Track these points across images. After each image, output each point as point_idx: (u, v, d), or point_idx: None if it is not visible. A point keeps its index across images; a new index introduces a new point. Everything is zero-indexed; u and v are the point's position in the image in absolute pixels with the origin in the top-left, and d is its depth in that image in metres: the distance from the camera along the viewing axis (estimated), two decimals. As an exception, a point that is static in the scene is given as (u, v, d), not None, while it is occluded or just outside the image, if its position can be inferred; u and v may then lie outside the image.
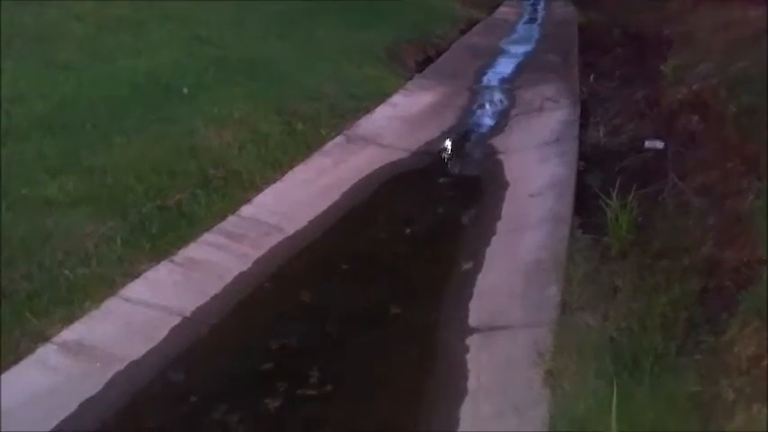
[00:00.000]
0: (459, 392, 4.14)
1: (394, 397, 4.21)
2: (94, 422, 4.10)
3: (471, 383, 4.20)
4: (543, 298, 4.73)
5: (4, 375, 4.23)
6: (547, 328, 4.40)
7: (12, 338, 4.44)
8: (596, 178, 6.27)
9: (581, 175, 6.39)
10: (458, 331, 4.68)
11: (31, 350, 4.41)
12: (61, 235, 5.40)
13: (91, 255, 5.22)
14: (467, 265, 5.37)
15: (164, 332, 4.71)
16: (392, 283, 5.30)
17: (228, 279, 5.31)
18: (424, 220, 6.20)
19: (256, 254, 5.62)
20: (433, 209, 6.37)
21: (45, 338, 4.49)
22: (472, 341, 4.56)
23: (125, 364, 4.43)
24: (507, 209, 6.07)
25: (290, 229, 5.98)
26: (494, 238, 5.68)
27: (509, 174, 6.73)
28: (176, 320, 4.83)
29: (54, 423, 4.00)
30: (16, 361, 4.33)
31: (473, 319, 4.77)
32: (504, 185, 6.52)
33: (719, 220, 5.02)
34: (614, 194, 5.23)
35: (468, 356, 4.43)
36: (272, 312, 5.07)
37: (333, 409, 4.15)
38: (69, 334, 4.55)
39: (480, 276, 5.20)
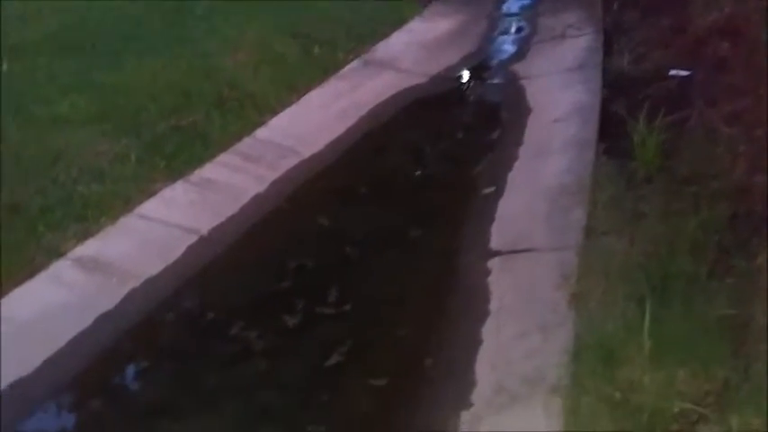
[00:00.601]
0: (481, 314, 4.06)
1: (414, 317, 4.14)
2: (110, 338, 4.06)
3: (493, 305, 4.12)
4: (568, 222, 4.61)
5: (18, 289, 4.18)
6: (572, 251, 4.29)
7: (26, 253, 4.38)
8: (621, 105, 6.07)
9: (605, 102, 6.19)
10: (479, 255, 4.57)
11: (45, 265, 4.35)
12: (74, 152, 5.30)
13: (105, 172, 5.13)
14: (488, 190, 5.25)
15: (180, 250, 4.62)
16: (411, 208, 5.18)
17: (245, 200, 5.20)
18: (443, 145, 6.05)
19: (272, 176, 5.51)
20: (452, 134, 6.21)
21: (60, 254, 4.42)
22: (494, 264, 4.46)
23: (141, 280, 4.36)
24: (530, 134, 5.90)
25: (307, 153, 5.84)
26: (516, 164, 5.53)
27: (531, 99, 6.53)
28: (193, 239, 4.75)
29: (69, 337, 3.96)
30: (31, 276, 4.28)
31: (495, 243, 4.66)
32: (526, 111, 6.33)
33: (749, 147, 4.86)
34: (641, 119, 5.05)
35: (490, 279, 4.34)
36: (289, 234, 4.98)
37: (351, 328, 4.08)
38: (84, 250, 4.48)
39: (502, 201, 5.08)
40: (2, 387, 3.61)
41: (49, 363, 3.77)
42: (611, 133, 5.59)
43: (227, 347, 4.02)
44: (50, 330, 3.94)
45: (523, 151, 5.70)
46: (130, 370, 4.00)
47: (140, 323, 4.16)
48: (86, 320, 4.03)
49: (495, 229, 4.80)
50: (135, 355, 4.04)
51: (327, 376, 3.80)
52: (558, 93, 6.52)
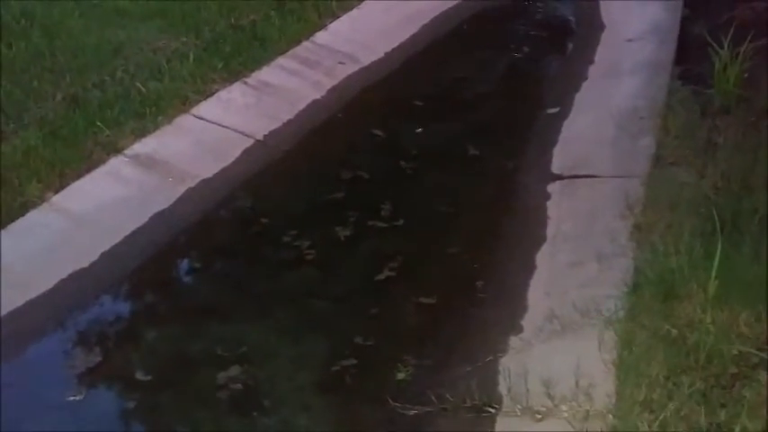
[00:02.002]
0: (537, 239, 3.97)
1: (468, 237, 4.07)
2: (165, 235, 4.09)
3: (550, 230, 4.01)
4: (635, 149, 4.43)
5: (76, 183, 4.21)
6: (637, 180, 4.13)
7: (84, 147, 4.39)
8: (702, 27, 5.74)
9: (685, 23, 5.86)
10: (539, 177, 4.45)
11: (103, 160, 4.36)
12: (133, 47, 5.24)
13: (163, 70, 5.06)
14: (552, 110, 5.06)
15: (236, 153, 4.59)
16: (471, 124, 5.04)
17: (301, 106, 5.12)
18: (508, 61, 5.84)
19: (330, 82, 5.39)
20: (519, 49, 5.97)
21: (117, 150, 4.42)
22: (554, 188, 4.33)
23: (196, 181, 4.35)
24: (602, 53, 5.64)
25: (366, 60, 5.69)
26: (585, 84, 5.31)
27: (605, 16, 6.22)
28: (248, 143, 4.70)
29: (125, 233, 3.99)
30: (89, 170, 4.29)
31: (556, 166, 4.52)
32: (599, 28, 6.04)
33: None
34: (726, 43, 4.76)
35: (549, 203, 4.22)
36: (345, 143, 4.91)
37: (403, 244, 4.02)
38: (141, 147, 4.47)
39: (567, 122, 4.90)
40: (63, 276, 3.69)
41: (107, 256, 3.83)
42: (689, 57, 5.32)
43: (279, 254, 4.02)
44: (108, 225, 3.98)
45: (593, 71, 5.46)
46: (183, 269, 4.05)
47: (195, 224, 4.18)
48: (143, 217, 4.06)
49: (557, 152, 4.64)
50: (188, 255, 4.08)
51: (377, 290, 3.78)
52: (635, 10, 6.18)
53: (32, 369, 3.42)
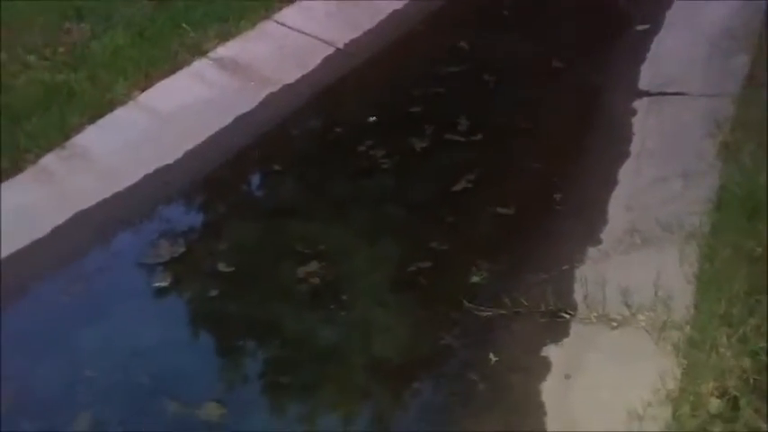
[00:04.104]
0: (621, 154, 3.89)
1: (549, 150, 4.00)
2: (247, 137, 4.15)
3: (635, 147, 3.92)
4: (727, 68, 4.25)
5: (162, 83, 4.29)
6: (728, 99, 3.98)
7: (169, 48, 4.46)
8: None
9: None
10: (625, 93, 4.33)
11: (187, 62, 4.42)
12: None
13: (247, -25, 5.06)
14: (642, 27, 4.87)
15: (316, 60, 4.60)
16: (556, 37, 4.90)
17: (382, 15, 5.06)
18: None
19: (413, -7, 5.30)
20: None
21: (201, 52, 4.48)
22: (641, 105, 4.22)
23: (278, 86, 4.39)
24: (696, -29, 5.37)
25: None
26: (676, 2, 5.08)
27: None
28: (329, 51, 4.70)
29: (209, 134, 4.07)
30: (173, 71, 4.37)
31: (644, 83, 4.39)
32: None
33: None
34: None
35: (635, 119, 4.12)
36: (426, 55, 4.84)
37: (481, 157, 3.99)
38: (225, 51, 4.52)
39: (657, 39, 4.73)
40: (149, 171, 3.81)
41: (190, 155, 3.92)
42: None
43: (355, 161, 4.04)
44: (191, 125, 4.06)
45: (686, -12, 5.22)
46: (264, 170, 4.11)
47: (276, 127, 4.23)
48: (226, 119, 4.13)
49: (645, 69, 4.50)
50: (269, 158, 4.13)
51: (453, 200, 3.78)
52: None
53: (121, 256, 3.57)
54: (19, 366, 3.06)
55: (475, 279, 3.29)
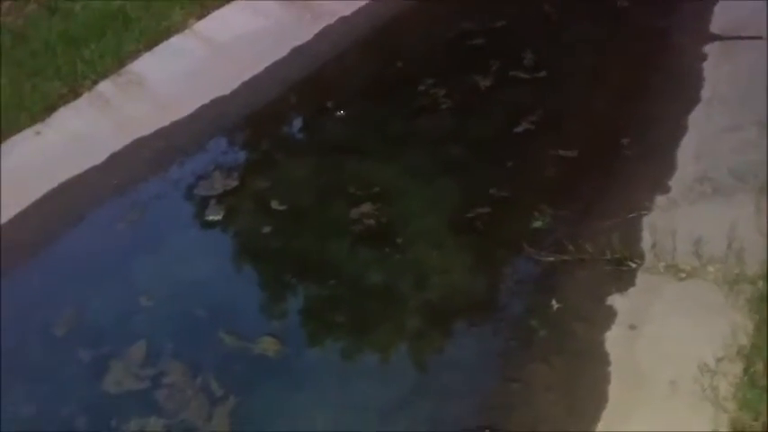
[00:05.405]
0: (691, 100, 3.72)
1: (614, 93, 3.85)
2: (303, 70, 4.06)
3: (705, 92, 3.75)
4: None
5: (216, 12, 4.20)
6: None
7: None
8: None
9: None
10: (696, 36, 4.12)
11: (242, -8, 4.32)
12: None
13: None
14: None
15: (374, -6, 4.46)
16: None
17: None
18: None
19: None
20: None
21: (258, -18, 4.36)
22: (712, 49, 4.02)
23: (335, 18, 4.27)
24: None
25: None
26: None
27: None
28: (388, -17, 4.54)
29: (264, 65, 3.99)
30: (229, 0, 4.27)
31: (716, 26, 4.17)
32: None
33: None
34: None
35: (706, 65, 3.93)
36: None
37: (545, 97, 3.85)
38: (281, -20, 4.40)
39: (732, -20, 4.48)
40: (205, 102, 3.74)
41: (246, 86, 3.85)
42: None
43: (414, 99, 3.93)
44: (247, 55, 3.98)
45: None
46: (319, 105, 4.01)
47: (332, 61, 4.13)
48: (281, 51, 4.04)
49: (718, 11, 4.27)
50: (325, 92, 4.03)
51: (514, 141, 3.66)
52: None
53: (176, 186, 3.54)
54: (76, 292, 3.08)
55: (537, 224, 3.20)
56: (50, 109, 3.61)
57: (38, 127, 3.54)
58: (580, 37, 4.21)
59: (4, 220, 3.25)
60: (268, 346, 2.85)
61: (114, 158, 3.50)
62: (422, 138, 3.72)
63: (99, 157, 3.47)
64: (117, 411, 2.62)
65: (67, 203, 3.37)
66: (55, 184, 3.40)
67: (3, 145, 3.45)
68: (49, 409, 2.68)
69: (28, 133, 3.52)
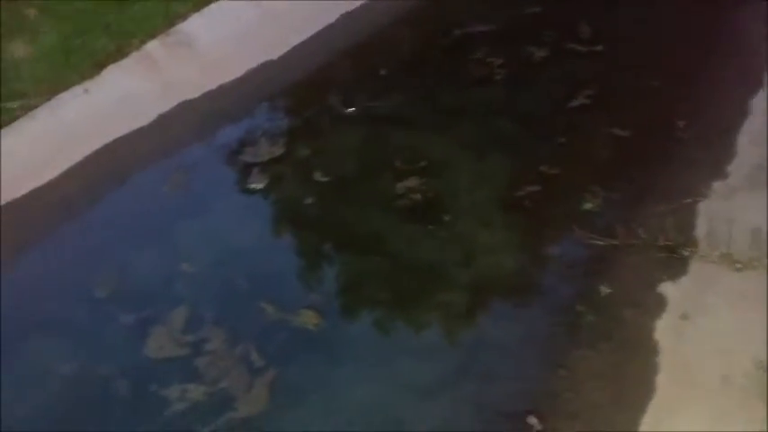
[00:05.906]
0: (753, 83, 3.56)
1: (673, 73, 3.69)
2: (353, 37, 3.97)
3: (772, 75, 3.61)
4: None
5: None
6: None
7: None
8: None
9: None
10: (761, 15, 3.93)
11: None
12: None
13: None
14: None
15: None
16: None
17: None
18: None
19: None
20: None
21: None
22: (779, 31, 3.85)
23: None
24: None
25: None
26: None
27: None
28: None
29: (314, 30, 3.91)
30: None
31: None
32: None
33: None
34: None
35: (774, 45, 3.77)
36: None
37: (602, 71, 3.71)
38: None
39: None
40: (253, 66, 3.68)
41: (295, 51, 3.79)
42: None
43: (468, 70, 3.83)
44: (297, 20, 3.90)
45: None
46: (370, 74, 3.91)
47: (383, 28, 4.03)
48: (331, 16, 3.96)
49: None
50: (376, 60, 3.92)
51: (568, 116, 3.55)
52: None
53: (221, 151, 3.51)
54: (120, 254, 3.08)
55: (587, 206, 3.11)
56: (98, 66, 3.59)
57: (86, 84, 3.53)
58: (641, 11, 4.05)
59: (55, 175, 3.26)
60: (308, 319, 2.83)
61: (161, 120, 3.47)
62: (473, 110, 3.62)
63: (146, 118, 3.46)
64: (157, 376, 2.63)
65: (114, 163, 3.37)
66: (102, 144, 3.39)
67: (53, 100, 3.45)
68: (90, 369, 2.69)
69: (77, 90, 3.51)
